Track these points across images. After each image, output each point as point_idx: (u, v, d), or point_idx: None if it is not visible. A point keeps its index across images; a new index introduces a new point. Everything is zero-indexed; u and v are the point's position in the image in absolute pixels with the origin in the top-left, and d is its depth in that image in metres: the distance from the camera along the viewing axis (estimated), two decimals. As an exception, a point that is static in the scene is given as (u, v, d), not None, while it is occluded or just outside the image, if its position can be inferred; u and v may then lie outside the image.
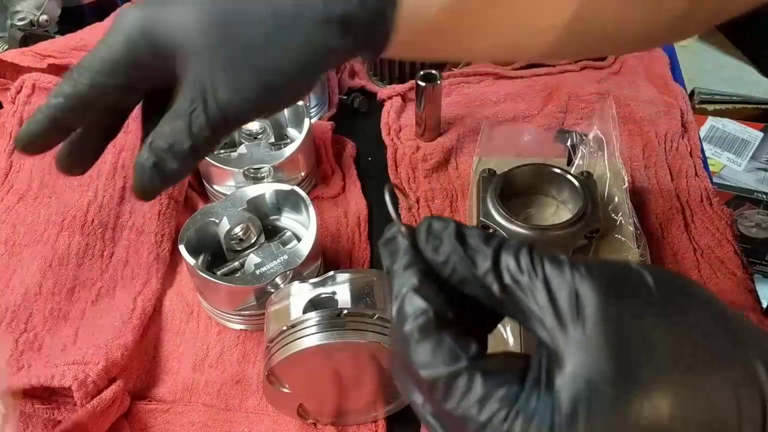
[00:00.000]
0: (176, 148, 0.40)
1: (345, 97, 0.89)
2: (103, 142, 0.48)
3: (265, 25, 0.39)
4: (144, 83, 0.43)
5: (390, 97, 0.86)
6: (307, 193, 0.67)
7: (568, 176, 0.67)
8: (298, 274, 0.64)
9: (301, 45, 0.39)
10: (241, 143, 0.74)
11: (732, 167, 1.50)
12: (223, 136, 0.41)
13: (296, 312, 0.53)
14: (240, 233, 0.65)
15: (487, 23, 0.44)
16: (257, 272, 0.61)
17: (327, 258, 0.69)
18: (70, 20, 0.97)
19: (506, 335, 0.58)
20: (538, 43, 0.46)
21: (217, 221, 0.64)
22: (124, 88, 0.42)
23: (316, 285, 0.55)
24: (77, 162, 0.47)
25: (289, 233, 0.68)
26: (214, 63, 0.39)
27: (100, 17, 0.95)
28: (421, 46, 0.44)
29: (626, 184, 0.69)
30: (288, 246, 0.65)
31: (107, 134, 0.48)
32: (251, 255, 0.63)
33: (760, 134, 1.54)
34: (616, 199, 0.68)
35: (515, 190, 0.68)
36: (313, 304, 0.54)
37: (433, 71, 0.87)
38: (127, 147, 0.73)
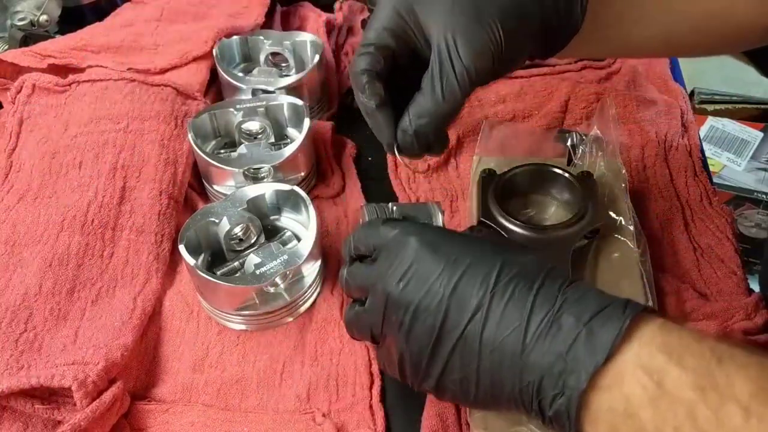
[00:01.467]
0: (432, 117, 0.49)
1: (345, 97, 0.89)
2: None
3: (497, 2, 0.48)
4: (401, 52, 0.51)
5: (390, 97, 0.86)
6: (307, 193, 0.67)
7: (568, 176, 0.67)
8: (298, 274, 0.64)
9: (520, 29, 0.49)
10: (241, 143, 0.74)
11: (732, 167, 1.50)
12: (468, 96, 0.49)
13: None
14: (240, 233, 0.65)
15: (647, 12, 0.54)
16: (257, 272, 0.61)
17: (327, 258, 0.69)
18: (70, 20, 0.97)
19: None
20: (686, 34, 0.57)
21: (217, 221, 0.64)
22: (398, 54, 0.51)
23: None
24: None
25: (289, 233, 0.68)
26: (458, 27, 0.47)
27: (100, 17, 0.95)
28: (594, 37, 0.54)
29: (626, 184, 0.69)
30: (288, 246, 0.65)
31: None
32: (251, 255, 0.63)
33: (760, 134, 1.54)
34: (616, 199, 0.68)
35: (515, 190, 0.68)
36: None
37: (433, 71, 0.87)
38: (126, 147, 0.73)
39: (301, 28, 0.98)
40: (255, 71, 0.84)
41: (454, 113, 0.50)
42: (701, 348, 0.37)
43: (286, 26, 1.00)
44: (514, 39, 0.49)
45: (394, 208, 0.57)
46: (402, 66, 0.52)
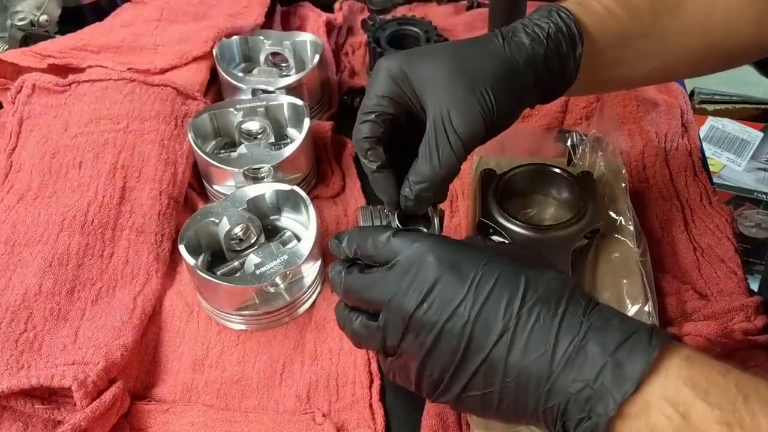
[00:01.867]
0: (430, 182, 0.52)
1: (345, 97, 0.89)
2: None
3: (489, 70, 0.52)
4: (400, 116, 0.54)
5: (390, 97, 0.86)
6: (307, 193, 0.67)
7: (568, 176, 0.67)
8: (298, 274, 0.64)
9: (512, 93, 0.52)
10: (241, 143, 0.74)
11: (732, 167, 1.50)
12: (462, 162, 0.52)
13: None
14: (240, 233, 0.65)
15: (644, 52, 0.57)
16: (257, 272, 0.61)
17: (327, 258, 0.69)
18: (70, 20, 0.98)
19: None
20: (685, 65, 0.60)
21: (217, 221, 0.64)
22: (397, 117, 0.53)
23: None
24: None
25: (289, 233, 0.68)
26: (452, 100, 0.51)
27: (100, 17, 0.95)
28: (592, 80, 0.57)
29: (626, 184, 0.69)
30: (288, 246, 0.65)
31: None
32: (251, 255, 0.63)
33: (760, 134, 1.54)
34: (616, 199, 0.68)
35: (515, 190, 0.68)
36: None
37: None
38: (126, 147, 0.73)
39: (301, 28, 0.98)
40: (255, 71, 0.84)
41: (451, 177, 0.53)
42: (726, 382, 0.38)
43: (286, 26, 1.00)
44: (507, 105, 0.52)
45: (389, 212, 0.57)
46: (401, 126, 0.54)
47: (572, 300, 0.43)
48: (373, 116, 0.53)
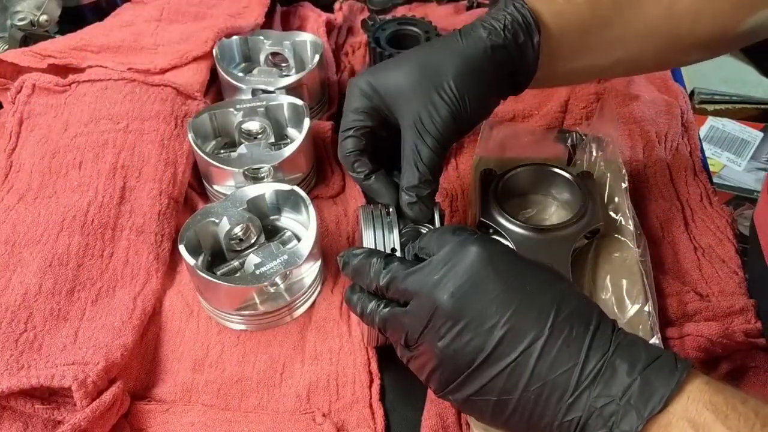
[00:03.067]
0: (422, 181, 0.54)
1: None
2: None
3: (450, 68, 0.54)
4: (378, 127, 0.57)
5: (390, 97, 0.86)
6: (307, 193, 0.67)
7: (568, 176, 0.67)
8: (298, 274, 0.64)
9: (478, 87, 0.55)
10: (241, 143, 0.74)
11: (732, 167, 1.50)
12: (445, 155, 0.56)
13: None
14: (240, 233, 0.65)
15: (607, 42, 0.58)
16: (257, 272, 0.61)
17: (327, 258, 0.69)
18: (70, 20, 0.98)
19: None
20: (650, 56, 0.61)
21: (217, 221, 0.64)
22: (371, 128, 0.57)
23: None
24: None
25: (289, 233, 0.68)
26: (420, 105, 0.54)
27: (100, 17, 0.95)
28: (557, 70, 0.59)
29: (626, 184, 0.69)
30: (288, 246, 0.65)
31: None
32: (251, 255, 0.63)
33: (760, 134, 1.54)
34: (616, 199, 0.68)
35: (515, 190, 0.68)
36: None
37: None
38: (126, 147, 0.73)
39: (301, 28, 0.98)
40: (255, 71, 0.84)
41: (439, 173, 0.56)
42: (746, 409, 0.38)
43: (286, 26, 1.00)
44: (473, 98, 0.55)
45: (391, 209, 0.57)
46: (381, 137, 0.58)
47: (602, 319, 0.43)
48: (351, 131, 0.57)
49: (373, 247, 0.54)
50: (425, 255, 0.49)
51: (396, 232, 0.55)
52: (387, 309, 0.49)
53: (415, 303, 0.46)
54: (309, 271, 0.65)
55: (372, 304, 0.50)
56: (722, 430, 0.37)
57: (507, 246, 0.48)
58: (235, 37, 0.87)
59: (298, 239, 0.66)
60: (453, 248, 0.46)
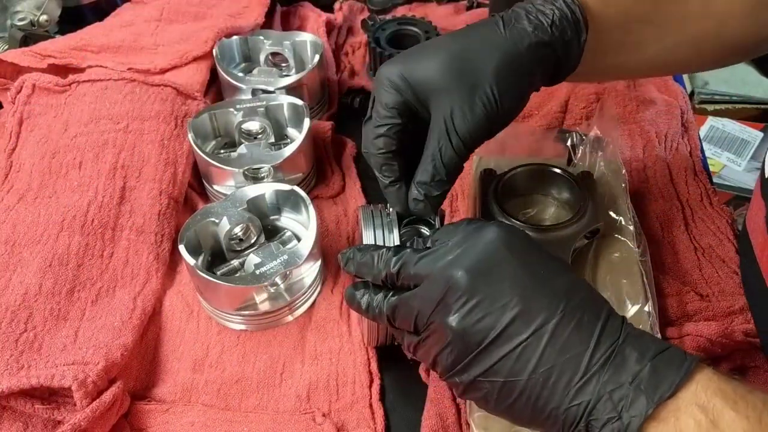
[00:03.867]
0: (436, 180, 0.52)
1: (345, 97, 0.89)
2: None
3: (490, 64, 0.51)
4: (409, 122, 0.54)
5: (390, 97, 0.86)
6: (307, 193, 0.67)
7: (568, 176, 0.67)
8: (298, 274, 0.64)
9: (516, 83, 0.52)
10: (241, 143, 0.74)
11: (732, 167, 1.50)
12: (467, 158, 0.53)
13: None
14: (240, 233, 0.65)
15: (645, 39, 0.57)
16: (257, 272, 0.61)
17: (327, 258, 0.69)
18: (70, 20, 0.98)
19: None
20: (682, 55, 0.60)
21: (217, 221, 0.64)
22: (402, 125, 0.53)
23: None
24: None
25: (289, 233, 0.68)
26: (454, 102, 0.51)
27: (100, 17, 0.95)
28: (594, 66, 0.57)
29: (626, 184, 0.69)
30: (288, 246, 0.65)
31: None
32: (251, 255, 0.63)
33: (760, 134, 1.54)
34: (616, 199, 0.68)
35: (515, 190, 0.68)
36: None
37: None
38: (126, 147, 0.73)
39: (301, 28, 0.98)
40: (255, 71, 0.84)
41: (456, 176, 0.53)
42: (754, 398, 0.38)
43: (286, 26, 1.00)
44: (511, 98, 0.52)
45: (391, 209, 0.57)
46: (408, 131, 0.55)
47: (612, 311, 0.43)
48: (384, 129, 0.53)
49: None
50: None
51: (396, 232, 0.55)
52: (395, 297, 0.48)
53: (426, 283, 0.45)
54: (309, 271, 0.65)
55: (379, 296, 0.49)
56: (732, 415, 0.37)
57: (523, 231, 0.47)
58: (235, 37, 0.87)
59: (298, 239, 0.66)
60: (469, 232, 0.46)
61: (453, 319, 0.43)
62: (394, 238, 0.55)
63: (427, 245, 0.49)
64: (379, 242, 0.55)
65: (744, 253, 0.65)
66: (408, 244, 0.51)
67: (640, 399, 0.39)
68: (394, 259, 0.48)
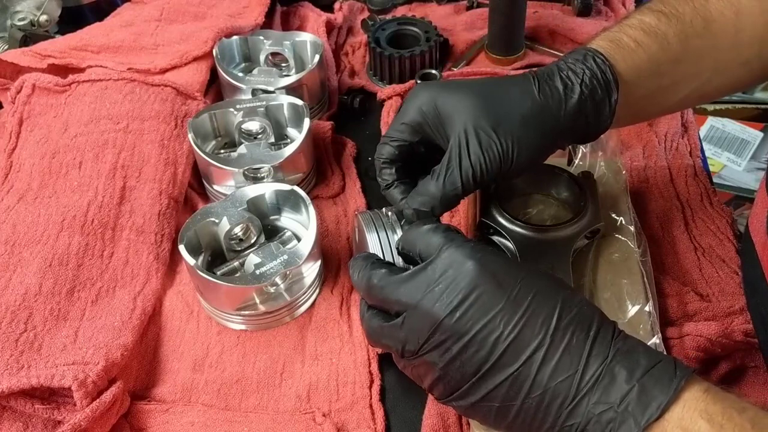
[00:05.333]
0: (430, 199, 0.53)
1: (345, 97, 0.89)
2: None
3: (517, 112, 0.52)
4: (419, 143, 0.56)
5: (390, 97, 0.86)
6: (307, 193, 0.67)
7: (568, 176, 0.67)
8: (297, 273, 0.64)
9: (540, 136, 0.53)
10: (241, 143, 0.74)
11: (732, 167, 1.50)
12: (470, 192, 0.54)
13: None
14: (240, 233, 0.65)
15: (677, 80, 0.58)
16: (257, 272, 0.61)
17: (327, 258, 0.69)
18: (70, 20, 0.98)
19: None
20: (718, 85, 0.60)
21: (217, 221, 0.64)
22: (416, 144, 0.56)
23: None
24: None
25: (289, 233, 0.68)
26: (471, 133, 0.52)
27: (100, 17, 0.95)
28: (628, 115, 0.58)
29: (626, 184, 0.69)
30: (288, 246, 0.65)
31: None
32: (251, 255, 0.63)
33: (760, 134, 1.54)
34: (617, 199, 0.68)
35: (515, 190, 0.68)
36: None
37: (433, 71, 0.87)
38: (126, 147, 0.73)
39: (301, 28, 0.98)
40: (255, 71, 0.84)
41: (451, 202, 0.54)
42: (742, 420, 0.38)
43: (286, 26, 1.00)
44: (531, 147, 0.53)
45: (389, 213, 0.57)
46: (419, 153, 0.58)
47: (603, 324, 0.43)
48: (390, 140, 0.57)
49: (380, 250, 0.54)
50: (408, 252, 0.50)
51: (399, 232, 0.55)
52: (377, 319, 0.48)
53: (412, 316, 0.45)
54: (309, 271, 0.65)
55: (367, 313, 0.49)
56: None
57: (505, 255, 0.47)
58: (235, 37, 0.87)
59: (298, 239, 0.66)
60: (449, 258, 0.45)
61: (446, 357, 0.44)
62: (398, 239, 0.55)
63: (399, 248, 0.51)
64: (384, 244, 0.54)
65: (745, 252, 0.65)
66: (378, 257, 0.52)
67: (627, 422, 0.39)
68: (374, 281, 0.48)
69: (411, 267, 0.47)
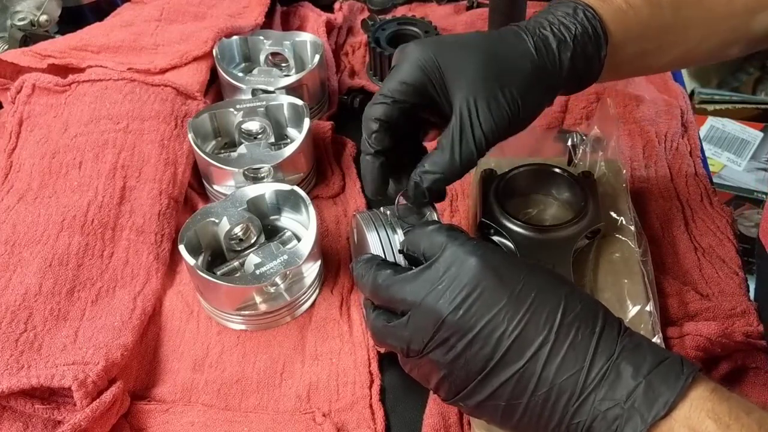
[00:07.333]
0: (446, 174, 0.51)
1: (345, 97, 0.89)
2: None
3: (519, 73, 0.52)
4: (418, 107, 0.52)
5: (390, 97, 0.86)
6: (307, 193, 0.67)
7: (568, 176, 0.67)
8: (298, 273, 0.64)
9: (541, 95, 0.53)
10: (241, 143, 0.74)
11: (732, 167, 1.50)
12: (483, 155, 0.52)
13: None
14: (240, 233, 0.65)
15: (665, 45, 0.58)
16: (257, 272, 0.61)
17: (327, 258, 0.69)
18: (70, 20, 0.98)
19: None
20: (705, 51, 0.60)
21: (217, 221, 0.64)
22: (415, 107, 0.52)
23: None
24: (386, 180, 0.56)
25: (289, 233, 0.68)
26: (479, 95, 0.50)
27: (100, 17, 0.95)
28: (613, 73, 0.57)
29: (626, 184, 0.69)
30: (288, 246, 0.65)
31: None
32: (251, 255, 0.63)
33: (760, 134, 1.54)
34: (617, 199, 0.68)
35: (515, 190, 0.68)
36: None
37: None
38: (126, 147, 0.73)
39: (301, 28, 0.98)
40: (255, 71, 0.84)
41: (465, 172, 0.52)
42: (749, 420, 0.38)
43: (286, 26, 1.00)
44: (531, 104, 0.53)
45: (388, 212, 0.56)
46: (412, 117, 0.53)
47: (608, 319, 0.43)
48: (390, 100, 0.51)
49: (381, 250, 0.53)
50: (412, 253, 0.49)
51: (400, 231, 0.55)
52: (382, 319, 0.48)
53: (416, 315, 0.45)
54: (309, 271, 0.65)
55: (373, 314, 0.49)
56: None
57: (507, 252, 0.47)
58: (235, 37, 0.87)
59: (298, 239, 0.66)
60: (452, 256, 0.45)
61: (450, 355, 0.43)
62: (399, 238, 0.54)
63: (402, 249, 0.50)
64: (385, 243, 0.54)
65: (759, 255, 0.65)
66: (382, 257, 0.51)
67: (634, 418, 0.39)
68: (380, 281, 0.47)
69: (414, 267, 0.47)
